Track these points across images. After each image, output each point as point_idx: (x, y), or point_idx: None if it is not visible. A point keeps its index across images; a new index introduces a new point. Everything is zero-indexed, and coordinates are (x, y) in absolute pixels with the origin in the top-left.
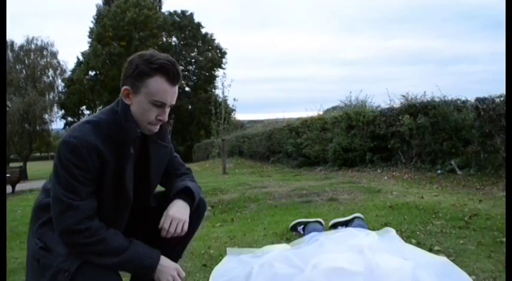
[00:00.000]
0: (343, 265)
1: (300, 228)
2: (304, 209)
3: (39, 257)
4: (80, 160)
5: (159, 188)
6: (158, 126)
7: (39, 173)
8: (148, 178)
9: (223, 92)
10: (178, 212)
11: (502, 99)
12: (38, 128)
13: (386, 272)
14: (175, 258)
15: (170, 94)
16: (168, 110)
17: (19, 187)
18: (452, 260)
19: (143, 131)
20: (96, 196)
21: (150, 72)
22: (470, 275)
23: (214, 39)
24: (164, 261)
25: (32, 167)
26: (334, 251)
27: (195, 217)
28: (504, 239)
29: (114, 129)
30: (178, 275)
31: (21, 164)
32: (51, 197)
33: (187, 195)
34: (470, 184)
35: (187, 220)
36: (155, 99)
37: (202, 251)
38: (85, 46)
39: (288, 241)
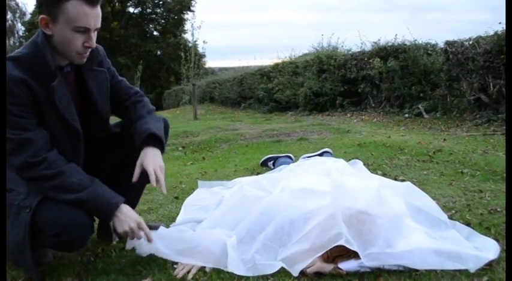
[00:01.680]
0: (311, 185)
1: (270, 163)
2: (274, 148)
3: None
4: (11, 96)
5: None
6: (88, 54)
7: None
8: (96, 107)
9: (192, 34)
10: (156, 163)
11: (470, 42)
12: None
13: (352, 190)
14: (138, 193)
15: (93, 17)
16: (94, 35)
17: None
18: None
19: (72, 61)
20: None
21: None
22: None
23: None
24: (126, 210)
25: None
26: (303, 175)
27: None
28: (465, 170)
29: (37, 63)
30: (146, 234)
31: None
32: None
33: (155, 140)
34: (436, 126)
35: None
36: (77, 26)
37: (174, 186)
38: None
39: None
